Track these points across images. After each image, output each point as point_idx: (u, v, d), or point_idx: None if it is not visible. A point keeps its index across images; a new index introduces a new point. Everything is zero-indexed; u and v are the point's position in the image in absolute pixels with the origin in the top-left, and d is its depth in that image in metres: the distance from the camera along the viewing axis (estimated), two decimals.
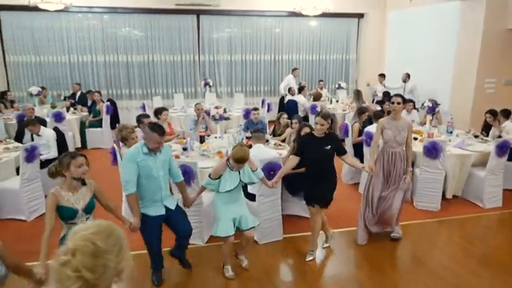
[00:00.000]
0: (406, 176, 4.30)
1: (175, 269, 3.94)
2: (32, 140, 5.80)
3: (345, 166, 6.32)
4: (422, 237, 4.73)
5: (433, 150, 5.19)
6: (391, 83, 9.65)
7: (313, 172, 3.97)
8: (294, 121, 5.92)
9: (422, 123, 7.24)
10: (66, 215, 2.76)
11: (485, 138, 6.31)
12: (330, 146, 3.88)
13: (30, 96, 8.64)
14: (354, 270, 4.08)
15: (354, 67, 11.79)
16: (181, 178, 3.72)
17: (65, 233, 2.83)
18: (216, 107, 6.06)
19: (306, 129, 4.85)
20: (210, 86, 10.19)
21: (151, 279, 3.66)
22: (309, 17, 10.33)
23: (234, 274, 3.82)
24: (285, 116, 6.60)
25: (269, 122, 8.20)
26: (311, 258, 4.14)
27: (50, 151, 5.69)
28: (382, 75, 10.02)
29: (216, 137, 6.02)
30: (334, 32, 11.40)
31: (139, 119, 5.64)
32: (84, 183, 2.86)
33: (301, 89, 9.23)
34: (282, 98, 9.70)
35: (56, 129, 6.17)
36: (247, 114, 7.26)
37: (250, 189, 4.50)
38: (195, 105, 6.85)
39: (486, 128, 6.57)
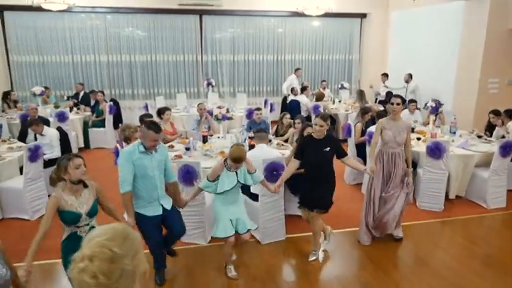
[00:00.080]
0: (407, 177, 4.30)
1: (178, 269, 3.94)
2: (35, 139, 5.82)
3: (347, 167, 6.31)
4: (425, 237, 4.72)
5: (436, 151, 5.18)
6: (393, 83, 9.63)
7: (312, 175, 3.95)
8: (296, 121, 5.92)
9: (426, 124, 7.22)
10: (69, 219, 2.71)
11: (488, 138, 6.29)
12: (329, 148, 3.85)
13: (33, 96, 8.65)
14: (357, 271, 4.08)
15: (357, 67, 11.77)
16: (175, 179, 3.74)
17: (68, 235, 2.78)
18: (219, 107, 6.07)
19: (309, 129, 4.85)
20: (212, 86, 10.20)
21: (154, 279, 3.66)
22: (311, 17, 10.33)
23: (237, 274, 3.82)
24: (288, 116, 6.60)
25: (272, 122, 8.18)
26: (314, 258, 4.14)
27: (53, 151, 5.70)
28: (385, 75, 10.00)
29: (218, 137, 6.02)
30: (336, 32, 11.38)
31: (142, 119, 5.64)
32: (85, 186, 2.82)
33: (303, 89, 9.22)
34: (285, 98, 9.70)
35: (59, 129, 6.19)
36: (249, 114, 7.26)
37: (253, 189, 4.50)
38: (198, 105, 6.86)
39: (490, 128, 6.55)
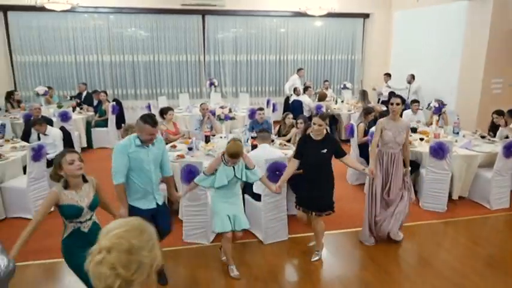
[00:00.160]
0: (405, 177, 4.33)
1: (180, 269, 3.95)
2: (39, 139, 5.84)
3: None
4: (428, 238, 4.71)
5: (439, 151, 5.16)
6: (396, 83, 9.60)
7: (310, 175, 3.93)
8: (299, 121, 5.92)
9: (429, 124, 7.21)
10: (71, 213, 2.70)
11: (492, 138, 6.27)
12: (326, 150, 3.83)
13: (36, 96, 8.69)
14: (359, 271, 4.07)
15: (359, 67, 11.76)
16: (171, 173, 3.72)
17: (70, 232, 2.75)
18: (222, 107, 6.06)
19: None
20: (215, 86, 10.20)
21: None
22: (314, 17, 10.32)
23: (239, 274, 3.83)
24: (291, 116, 6.60)
25: (274, 122, 8.19)
26: (317, 258, 4.14)
27: (56, 150, 5.70)
28: (388, 75, 9.98)
29: (221, 137, 6.02)
30: (339, 32, 11.37)
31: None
32: (85, 181, 2.81)
33: (305, 89, 9.22)
34: (287, 98, 9.69)
35: (62, 128, 6.22)
36: (252, 114, 7.26)
37: (255, 189, 4.50)
38: (201, 105, 6.86)
39: (493, 129, 6.53)
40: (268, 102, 9.16)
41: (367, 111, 6.46)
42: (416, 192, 5.77)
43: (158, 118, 6.06)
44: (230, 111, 6.25)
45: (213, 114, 6.63)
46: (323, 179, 3.94)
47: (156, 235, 3.58)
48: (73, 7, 8.38)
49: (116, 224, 1.27)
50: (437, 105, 6.86)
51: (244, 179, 3.73)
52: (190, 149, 5.35)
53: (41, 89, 8.63)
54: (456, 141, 5.95)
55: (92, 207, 2.80)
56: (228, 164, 3.62)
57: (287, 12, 10.62)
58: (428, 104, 7.20)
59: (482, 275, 3.90)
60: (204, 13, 10.29)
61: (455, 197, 5.55)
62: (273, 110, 8.95)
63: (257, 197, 4.47)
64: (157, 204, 3.51)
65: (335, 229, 4.82)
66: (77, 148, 7.49)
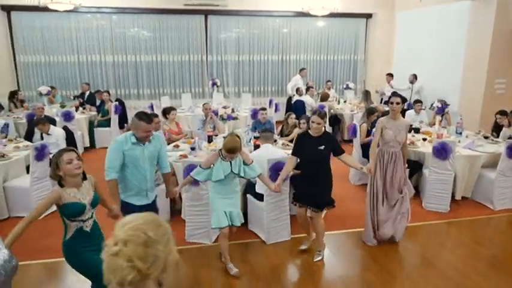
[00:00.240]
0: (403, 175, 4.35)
1: (183, 268, 3.94)
2: (42, 139, 5.86)
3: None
4: (431, 238, 4.70)
5: (442, 151, 5.14)
6: (398, 83, 9.59)
7: (308, 172, 3.94)
8: (301, 121, 5.91)
9: (432, 124, 7.19)
10: (74, 210, 2.67)
11: (495, 139, 6.25)
12: (324, 146, 3.83)
13: (39, 95, 8.71)
14: (362, 271, 4.06)
15: (362, 67, 11.74)
16: (169, 169, 3.72)
17: (73, 233, 2.71)
18: (224, 107, 6.06)
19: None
20: (217, 86, 10.22)
21: None
22: (317, 17, 10.31)
23: (239, 271, 3.83)
24: (293, 116, 6.60)
25: (277, 122, 8.18)
26: (319, 258, 4.13)
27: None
28: (390, 75, 9.97)
29: (224, 137, 6.02)
30: (342, 32, 11.36)
31: None
32: (84, 178, 2.80)
33: (308, 89, 9.22)
34: (290, 98, 9.69)
35: (65, 128, 6.24)
36: (254, 114, 7.26)
37: (258, 189, 4.50)
38: (203, 105, 6.87)
39: (496, 129, 6.51)
40: (270, 102, 9.16)
41: (370, 112, 6.45)
42: (419, 192, 5.78)
43: (161, 118, 6.09)
44: (233, 111, 6.25)
45: (216, 114, 6.63)
46: (321, 176, 3.93)
47: None
48: (76, 7, 8.41)
49: (133, 217, 1.27)
50: (440, 106, 6.85)
51: (242, 174, 3.74)
52: (193, 148, 5.36)
53: (44, 89, 8.65)
54: (459, 141, 5.93)
55: (93, 204, 2.79)
56: (225, 159, 3.64)
57: (290, 12, 10.62)
58: (431, 104, 7.20)
59: (485, 275, 3.88)
60: (206, 13, 10.30)
61: (458, 197, 5.54)
62: (276, 110, 8.95)
63: (259, 197, 4.46)
64: (149, 202, 3.51)
65: (337, 229, 4.82)
66: (80, 148, 7.51)
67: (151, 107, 8.34)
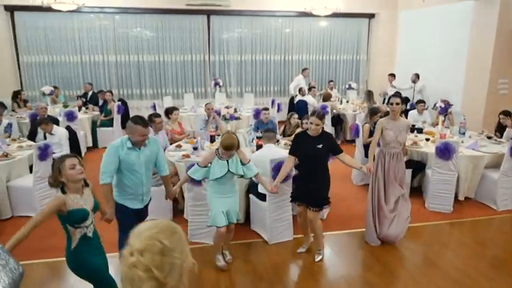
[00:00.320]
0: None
1: None
2: (45, 138, 5.87)
3: None
4: (434, 238, 4.69)
5: (445, 151, 5.13)
6: (401, 83, 9.57)
7: (305, 171, 3.93)
8: (304, 121, 5.90)
9: (435, 124, 7.17)
10: (79, 216, 2.64)
11: (498, 139, 6.22)
12: (321, 146, 3.82)
13: (42, 95, 8.75)
14: (364, 271, 4.05)
15: (364, 67, 11.72)
16: (167, 172, 3.72)
17: (78, 241, 2.66)
18: (227, 107, 6.07)
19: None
20: (220, 86, 10.22)
21: None
22: (319, 17, 10.30)
23: (226, 265, 3.90)
24: (296, 116, 6.59)
25: (279, 122, 8.18)
26: (320, 258, 4.12)
27: (62, 150, 5.76)
28: (392, 75, 9.95)
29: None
30: (344, 32, 11.34)
31: (151, 118, 5.67)
32: (86, 184, 2.77)
33: (309, 89, 9.20)
34: (292, 98, 9.69)
35: (68, 128, 6.25)
36: (257, 114, 7.25)
37: (260, 188, 4.49)
38: (206, 105, 6.87)
39: (500, 129, 6.49)
40: (273, 102, 9.15)
41: (372, 112, 6.43)
42: (422, 192, 5.77)
43: (163, 118, 6.10)
44: (235, 111, 6.26)
45: (218, 114, 6.63)
46: (318, 174, 3.91)
47: None
48: (79, 7, 8.43)
49: (147, 226, 1.27)
50: (443, 106, 6.83)
51: (240, 172, 3.75)
52: (195, 148, 5.36)
53: (47, 89, 8.68)
54: (462, 141, 5.91)
55: (94, 209, 2.78)
56: (222, 158, 3.65)
57: (292, 12, 10.61)
58: (434, 104, 7.18)
59: (488, 276, 3.87)
60: (209, 13, 10.31)
61: (461, 197, 5.52)
62: (278, 110, 8.94)
63: (262, 197, 4.46)
64: (142, 206, 3.50)
65: (339, 229, 4.82)
66: (83, 147, 7.53)
67: (154, 106, 8.35)
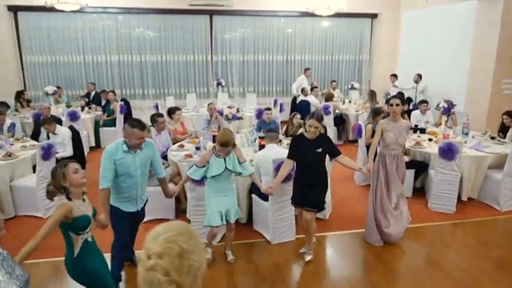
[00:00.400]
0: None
1: None
2: (48, 138, 5.89)
3: None
4: (437, 239, 4.67)
5: (448, 152, 5.11)
6: (403, 83, 9.56)
7: (303, 175, 3.88)
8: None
9: (437, 124, 7.15)
10: (84, 223, 2.60)
11: (502, 139, 6.20)
12: (321, 150, 3.79)
13: (45, 95, 8.77)
14: (367, 271, 4.04)
15: (367, 67, 11.70)
16: (164, 174, 3.73)
17: (81, 247, 2.62)
18: (229, 107, 6.07)
19: (320, 130, 4.85)
20: (222, 86, 10.22)
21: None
22: (321, 17, 10.29)
23: (210, 258, 3.94)
24: (298, 116, 6.58)
25: (281, 122, 8.18)
26: (309, 258, 4.09)
27: (65, 149, 5.78)
28: (394, 75, 9.94)
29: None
30: (347, 32, 11.32)
31: (153, 118, 5.69)
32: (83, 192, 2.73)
33: (312, 89, 9.20)
34: (295, 98, 9.69)
35: (71, 128, 6.25)
36: (259, 114, 7.25)
37: None
38: (208, 105, 6.88)
39: (503, 130, 6.47)
40: (275, 102, 9.15)
41: (375, 112, 6.41)
42: (424, 193, 5.75)
43: (166, 118, 6.11)
44: (238, 111, 6.26)
45: (221, 114, 6.63)
46: (318, 178, 3.90)
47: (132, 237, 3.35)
48: (82, 7, 8.45)
49: (163, 229, 1.26)
50: (446, 106, 6.81)
51: (238, 170, 3.77)
52: (198, 148, 5.37)
53: (50, 89, 8.70)
54: (465, 142, 5.89)
55: (94, 215, 2.77)
56: (219, 156, 3.67)
57: (294, 12, 10.61)
58: (437, 105, 7.16)
59: (492, 276, 3.85)
60: (211, 13, 10.31)
61: (464, 198, 5.51)
62: (280, 110, 8.94)
63: (264, 197, 4.45)
64: (137, 210, 3.49)
65: (342, 229, 4.81)
66: (85, 147, 7.54)
67: (156, 106, 8.36)
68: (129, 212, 3.44)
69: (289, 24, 11.00)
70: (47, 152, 5.07)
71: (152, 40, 10.33)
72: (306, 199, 3.90)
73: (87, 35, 9.94)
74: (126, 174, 3.29)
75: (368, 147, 6.29)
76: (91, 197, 2.86)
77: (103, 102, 9.04)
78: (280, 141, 5.65)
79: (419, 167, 5.72)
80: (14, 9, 9.31)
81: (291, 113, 7.50)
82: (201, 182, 4.20)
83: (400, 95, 8.62)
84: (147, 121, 5.83)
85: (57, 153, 5.43)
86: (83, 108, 8.51)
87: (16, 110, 8.54)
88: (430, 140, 6.05)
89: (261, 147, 5.16)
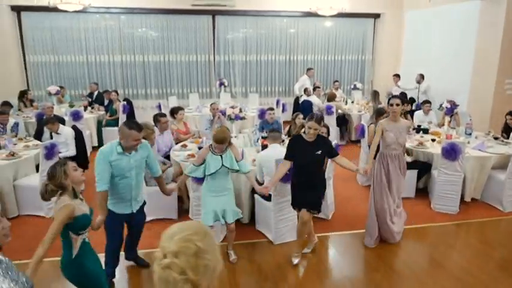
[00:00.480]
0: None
1: None
2: (51, 138, 5.90)
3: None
4: (440, 239, 4.66)
5: (451, 152, 5.10)
6: (406, 83, 9.53)
7: (301, 177, 3.84)
8: None
9: (441, 125, 7.13)
10: (84, 222, 2.58)
11: (505, 140, 6.18)
12: (320, 151, 3.76)
13: (48, 95, 8.79)
14: (370, 272, 4.03)
15: (370, 67, 11.68)
16: (160, 173, 3.73)
17: (80, 247, 2.60)
18: (232, 107, 6.07)
19: (322, 129, 4.83)
20: (225, 86, 10.23)
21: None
22: (324, 17, 10.28)
23: None
24: (301, 116, 6.56)
25: (284, 122, 8.17)
26: (297, 261, 4.06)
27: (68, 149, 5.79)
28: (397, 76, 9.91)
29: (231, 137, 6.02)
30: (349, 32, 11.31)
31: (156, 118, 5.70)
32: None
33: (314, 89, 9.19)
34: (297, 98, 9.68)
35: (74, 127, 6.27)
36: (262, 114, 7.25)
37: None
38: (211, 104, 6.88)
39: (506, 130, 6.44)
40: (277, 102, 9.15)
41: (378, 113, 6.39)
42: (427, 193, 5.74)
43: (169, 117, 6.12)
44: (240, 111, 6.26)
45: (223, 114, 6.64)
46: (317, 178, 3.89)
47: (132, 238, 3.40)
48: (85, 8, 8.48)
49: (178, 228, 1.26)
50: (449, 106, 6.79)
51: (236, 167, 3.78)
52: (200, 148, 5.36)
53: (53, 89, 8.73)
54: (468, 142, 5.87)
55: (91, 213, 2.75)
56: (215, 153, 3.69)
57: (297, 13, 10.60)
58: (440, 105, 7.13)
59: (495, 277, 3.84)
60: (214, 13, 10.32)
61: (467, 199, 5.49)
62: (283, 110, 8.93)
63: (267, 197, 4.45)
64: (132, 211, 3.46)
65: (344, 230, 4.80)
66: (88, 147, 7.56)
67: (159, 106, 8.38)
68: (122, 214, 3.41)
69: (292, 24, 10.99)
70: (50, 152, 5.08)
71: (155, 40, 10.35)
72: (306, 200, 3.87)
73: (90, 35, 9.96)
74: (120, 175, 3.27)
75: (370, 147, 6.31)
76: (88, 197, 2.85)
77: (106, 102, 9.06)
78: (283, 141, 5.63)
79: (422, 167, 5.70)
80: (17, 9, 9.35)
81: (293, 113, 7.49)
82: (203, 181, 4.21)
83: (402, 95, 8.64)
84: (150, 121, 5.86)
85: (60, 152, 5.44)
86: (85, 108, 8.53)
87: (19, 110, 8.57)
88: (433, 140, 6.04)
89: (264, 147, 5.15)
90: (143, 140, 3.48)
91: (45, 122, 5.97)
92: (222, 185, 3.81)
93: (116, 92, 8.88)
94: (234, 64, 10.89)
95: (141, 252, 3.98)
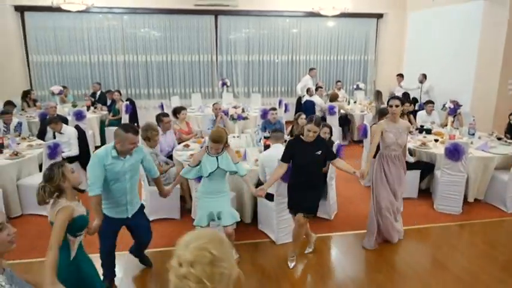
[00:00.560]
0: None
1: None
2: (54, 137, 5.92)
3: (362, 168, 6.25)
4: (443, 240, 4.65)
5: (455, 152, 5.08)
6: (409, 84, 9.52)
7: (301, 177, 3.80)
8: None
9: (443, 125, 7.11)
10: (82, 223, 2.57)
11: (509, 140, 6.16)
12: (320, 152, 3.74)
13: (51, 95, 8.81)
14: (372, 272, 4.03)
15: (372, 68, 11.67)
16: (158, 174, 3.73)
17: (77, 249, 2.58)
18: (235, 107, 6.07)
19: (325, 129, 4.84)
20: (227, 86, 10.23)
21: None
22: (327, 17, 10.28)
23: None
24: (303, 116, 6.55)
25: (286, 122, 8.17)
26: (293, 264, 4.03)
27: (71, 149, 5.81)
28: (401, 76, 9.89)
29: (233, 137, 6.03)
30: (352, 32, 11.30)
31: (159, 118, 5.71)
32: (80, 191, 2.70)
33: (316, 89, 9.18)
34: (300, 99, 9.67)
35: (77, 127, 6.28)
36: (264, 114, 7.25)
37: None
38: (213, 104, 6.89)
39: (510, 130, 6.43)
40: (280, 102, 9.15)
41: (381, 113, 6.37)
42: (430, 194, 5.72)
43: (171, 117, 6.12)
44: (243, 111, 6.25)
45: (226, 114, 6.64)
46: (317, 179, 3.88)
47: (141, 247, 3.40)
48: (88, 8, 8.51)
49: (193, 236, 1.26)
50: (452, 106, 6.77)
51: (233, 169, 3.74)
52: None
53: (56, 88, 8.74)
54: (472, 142, 5.86)
55: (87, 216, 2.71)
56: (211, 154, 3.66)
57: (300, 13, 10.60)
58: (443, 105, 7.11)
59: (498, 278, 3.83)
60: (216, 13, 10.33)
61: (470, 199, 5.47)
62: (285, 111, 8.93)
63: (269, 197, 4.45)
64: (127, 216, 3.42)
65: (347, 230, 4.80)
66: (91, 147, 7.57)
67: (162, 106, 8.39)
68: (118, 218, 3.38)
69: (295, 25, 10.99)
70: (53, 151, 5.10)
71: (157, 40, 10.37)
72: (304, 202, 3.82)
73: (93, 35, 10.00)
74: (114, 179, 3.24)
75: None
76: (85, 199, 2.83)
77: (108, 102, 9.08)
78: (285, 141, 5.63)
79: (425, 167, 5.69)
80: (20, 9, 9.39)
81: (295, 113, 7.47)
82: None
83: (405, 95, 8.63)
84: (152, 121, 5.87)
85: (63, 152, 5.45)
86: (88, 108, 8.55)
87: (23, 110, 8.61)
88: (436, 140, 6.02)
89: (266, 147, 5.15)
90: (139, 144, 3.46)
91: (49, 122, 5.99)
92: (218, 188, 3.77)
93: (119, 91, 8.90)
94: (237, 64, 10.90)
95: (147, 251, 3.98)
